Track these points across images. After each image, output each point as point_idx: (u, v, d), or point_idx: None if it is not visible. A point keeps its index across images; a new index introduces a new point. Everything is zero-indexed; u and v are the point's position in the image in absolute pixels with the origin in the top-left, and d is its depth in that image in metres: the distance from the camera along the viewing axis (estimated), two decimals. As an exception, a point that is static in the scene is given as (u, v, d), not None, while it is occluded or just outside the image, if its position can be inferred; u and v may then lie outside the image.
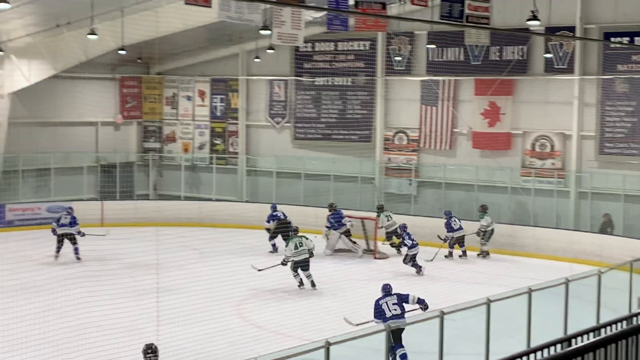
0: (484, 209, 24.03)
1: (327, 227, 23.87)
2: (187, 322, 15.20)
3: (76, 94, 31.70)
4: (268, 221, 24.16)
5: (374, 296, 14.13)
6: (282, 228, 23.25)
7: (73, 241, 22.94)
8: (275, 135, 31.85)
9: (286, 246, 19.89)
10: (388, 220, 24.59)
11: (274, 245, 23.80)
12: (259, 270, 19.51)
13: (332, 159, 29.79)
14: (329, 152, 30.26)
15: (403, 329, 13.12)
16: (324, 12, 22.72)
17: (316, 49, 30.28)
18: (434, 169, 27.75)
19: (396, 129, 29.19)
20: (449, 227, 23.47)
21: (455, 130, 27.98)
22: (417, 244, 21.52)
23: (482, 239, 23.83)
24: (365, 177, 29.43)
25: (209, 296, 16.61)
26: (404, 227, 22.71)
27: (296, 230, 21.03)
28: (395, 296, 13.90)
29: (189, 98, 33.51)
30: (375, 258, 23.42)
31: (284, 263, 19.74)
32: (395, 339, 12.82)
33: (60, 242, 22.73)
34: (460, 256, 23.50)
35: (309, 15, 23.99)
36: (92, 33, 23.65)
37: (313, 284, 19.45)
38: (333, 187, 29.08)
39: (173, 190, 32.15)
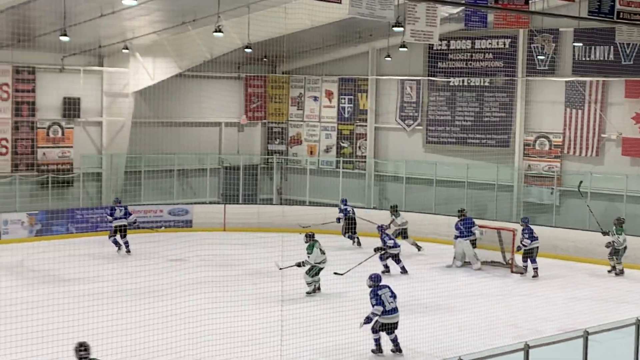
0: (620, 223, 23.17)
1: (455, 235, 23.70)
2: (311, 333, 15.34)
3: (200, 93, 32.51)
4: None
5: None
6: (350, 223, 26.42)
7: (123, 234, 24.65)
8: (405, 138, 31.81)
9: (311, 252, 19.97)
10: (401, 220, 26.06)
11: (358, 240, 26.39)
12: (280, 268, 19.31)
13: (467, 165, 29.51)
14: (463, 157, 29.99)
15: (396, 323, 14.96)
16: (462, 8, 22.56)
17: (451, 47, 30.08)
18: (579, 178, 27.03)
19: (537, 133, 28.68)
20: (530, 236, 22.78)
21: (602, 135, 27.26)
22: (399, 245, 22.59)
23: (615, 255, 22.95)
24: (503, 185, 29.02)
25: (334, 307, 16.74)
26: (381, 228, 23.13)
27: (312, 235, 20.89)
28: (388, 288, 15.15)
29: (315, 98, 33.84)
30: (512, 272, 23.03)
31: (300, 265, 19.81)
32: (390, 332, 14.81)
33: (114, 234, 24.81)
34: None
35: (445, 11, 23.79)
36: (218, 30, 24.14)
37: (319, 288, 19.98)
38: (467, 195, 28.80)
39: (297, 195, 32.46)
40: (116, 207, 25.10)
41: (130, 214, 25.21)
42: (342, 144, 33.14)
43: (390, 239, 22.56)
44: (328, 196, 31.53)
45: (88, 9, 23.91)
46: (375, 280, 15.32)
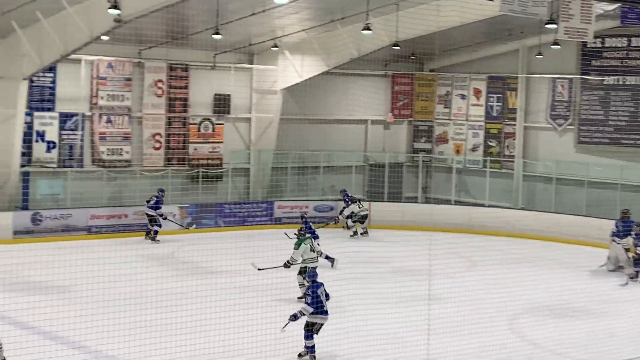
0: None
1: (611, 236, 22.89)
2: (457, 333, 15.20)
3: (347, 91, 32.69)
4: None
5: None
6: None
7: (152, 223, 25.53)
8: (556, 138, 31.10)
9: (297, 248, 18.78)
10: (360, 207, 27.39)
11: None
12: (259, 269, 18.74)
13: (621, 166, 28.58)
14: (617, 158, 29.06)
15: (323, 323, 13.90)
16: (618, 5, 21.91)
17: (606, 45, 29.16)
18: None
19: (696, 134, 27.57)
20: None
21: None
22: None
23: None
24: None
25: (480, 308, 16.52)
26: (302, 216, 22.48)
27: (303, 230, 19.93)
28: (322, 287, 14.20)
29: (463, 97, 33.51)
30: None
31: (287, 265, 18.78)
32: (315, 330, 13.83)
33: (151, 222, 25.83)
34: None
35: (601, 7, 23.17)
36: (367, 28, 24.26)
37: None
38: (620, 197, 27.86)
39: (442, 194, 32.22)
40: (152, 197, 26.01)
41: (159, 207, 25.89)
42: (490, 143, 32.68)
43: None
44: (474, 196, 31.16)
45: (240, 7, 24.37)
46: (312, 276, 14.52)
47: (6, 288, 17.58)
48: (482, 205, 30.41)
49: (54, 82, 26.40)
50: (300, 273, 18.58)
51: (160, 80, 28.48)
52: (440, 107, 34.14)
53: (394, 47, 27.18)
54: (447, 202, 31.03)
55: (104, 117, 27.42)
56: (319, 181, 31.44)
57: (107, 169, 27.47)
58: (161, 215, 25.77)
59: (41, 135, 26.31)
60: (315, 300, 13.75)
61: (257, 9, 24.30)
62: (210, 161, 29.72)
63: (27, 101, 25.16)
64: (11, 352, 12.72)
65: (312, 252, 18.74)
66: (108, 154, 27.56)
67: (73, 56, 24.39)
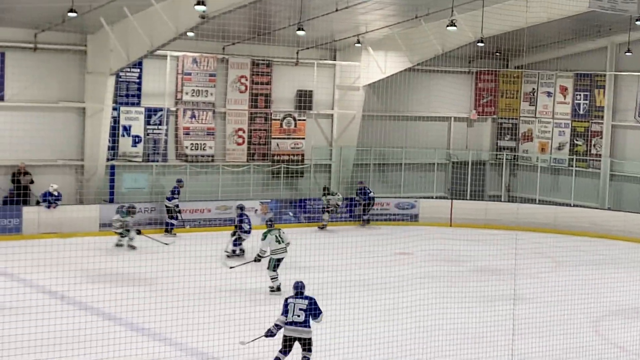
0: None
1: None
2: (542, 334, 15.01)
3: (430, 87, 32.53)
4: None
5: None
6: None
7: (169, 215, 25.47)
8: (644, 137, 30.49)
9: (263, 239, 18.61)
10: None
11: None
12: (231, 267, 19.22)
13: None
14: None
15: (303, 338, 12.56)
16: None
17: (698, 42, 28.51)
18: None
19: None
20: None
21: None
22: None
23: None
24: None
25: (565, 309, 16.27)
26: (241, 207, 23.07)
27: (272, 221, 19.74)
28: (307, 301, 12.76)
29: (549, 94, 33.04)
30: None
31: (257, 259, 18.83)
32: (288, 346, 12.61)
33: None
34: None
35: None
36: (452, 24, 24.10)
37: (279, 289, 18.30)
38: None
39: (527, 193, 31.81)
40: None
41: (173, 198, 25.70)
42: (576, 142, 32.15)
43: (249, 223, 22.64)
44: (560, 195, 30.68)
45: (323, 3, 24.42)
46: (293, 287, 13.11)
47: (94, 279, 17.93)
48: (568, 205, 29.91)
49: (140, 77, 26.84)
50: (268, 266, 18.59)
51: (243, 76, 28.73)
52: (525, 104, 33.69)
53: (478, 44, 26.90)
54: (532, 201, 30.61)
55: (188, 112, 27.77)
56: (400, 178, 31.30)
57: (191, 164, 27.82)
58: (176, 206, 25.82)
59: (127, 129, 26.78)
60: (284, 309, 12.69)
61: (340, 5, 24.32)
62: (292, 157, 29.87)
63: (114, 96, 25.63)
64: (98, 343, 12.98)
65: (279, 243, 18.50)
66: (192, 149, 27.91)
67: (159, 52, 24.77)
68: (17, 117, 24.69)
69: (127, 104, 26.69)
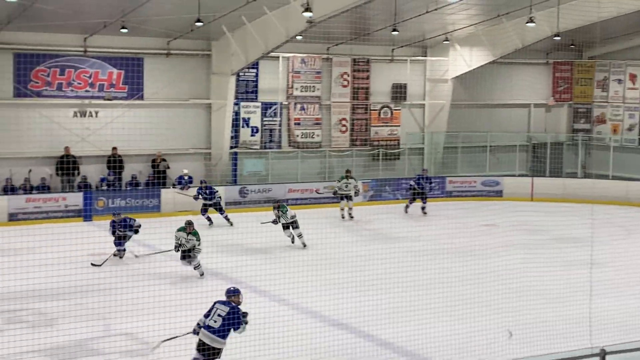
0: None
1: None
2: (618, 295, 14.67)
3: (511, 78, 31.99)
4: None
5: None
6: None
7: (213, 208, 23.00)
8: None
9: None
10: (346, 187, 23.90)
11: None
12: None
13: None
14: None
15: (211, 347, 10.11)
16: None
17: None
18: None
19: None
20: None
21: None
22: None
23: None
24: None
25: (637, 272, 15.86)
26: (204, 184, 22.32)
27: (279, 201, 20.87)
28: (229, 308, 10.32)
29: (619, 81, 32.07)
30: None
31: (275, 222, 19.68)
32: (200, 350, 10.20)
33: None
34: None
35: None
36: (530, 21, 23.68)
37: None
38: None
39: (601, 170, 30.95)
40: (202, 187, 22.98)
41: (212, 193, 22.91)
42: (645, 123, 31.19)
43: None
44: (631, 171, 29.78)
45: (415, 6, 24.29)
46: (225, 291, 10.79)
47: (220, 249, 18.30)
48: (638, 179, 29.00)
49: (256, 76, 27.15)
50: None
51: (345, 73, 28.76)
52: (598, 91, 32.80)
53: (554, 38, 26.38)
54: (605, 177, 29.76)
55: (298, 106, 27.98)
56: (485, 159, 30.88)
57: (301, 150, 28.03)
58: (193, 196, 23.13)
59: (246, 121, 27.14)
60: (207, 312, 10.49)
61: (430, 7, 24.15)
62: (388, 142, 29.80)
63: (235, 93, 26.00)
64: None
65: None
66: (302, 137, 28.13)
67: (272, 54, 24.99)
68: (154, 113, 25.28)
69: (246, 99, 27.04)
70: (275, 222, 19.84)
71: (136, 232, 18.28)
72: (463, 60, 29.46)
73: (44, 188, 23.55)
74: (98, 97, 24.67)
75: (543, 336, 11.68)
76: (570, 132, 33.05)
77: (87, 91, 24.57)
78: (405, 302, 13.26)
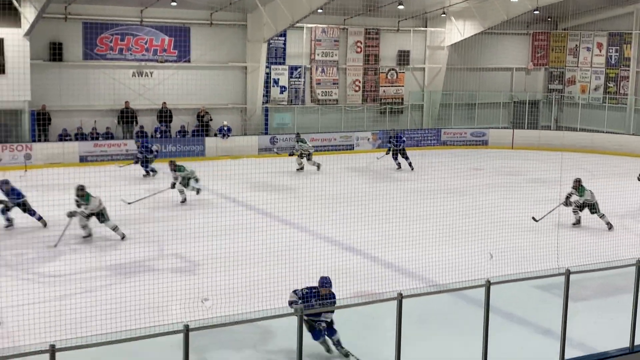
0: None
1: None
2: (582, 226, 14.56)
3: (497, 46, 31.44)
4: None
5: None
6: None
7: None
8: (663, 80, 28.71)
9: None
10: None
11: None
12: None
13: None
14: None
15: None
16: None
17: None
18: None
19: None
20: None
21: None
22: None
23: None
24: None
25: (602, 207, 15.73)
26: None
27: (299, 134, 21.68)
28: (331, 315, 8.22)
29: (588, 49, 31.43)
30: None
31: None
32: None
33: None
34: None
35: None
36: (515, -3, 23.22)
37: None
38: None
39: (571, 123, 30.62)
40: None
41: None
42: (609, 85, 30.63)
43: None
44: (595, 125, 29.44)
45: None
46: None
47: (253, 188, 18.36)
48: (602, 131, 28.70)
49: (284, 43, 26.85)
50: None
51: (359, 41, 28.38)
52: (570, 57, 32.14)
53: (534, 12, 25.92)
54: (574, 129, 29.49)
55: (319, 68, 27.70)
56: (475, 114, 30.59)
57: (322, 106, 27.85)
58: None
59: (276, 82, 26.94)
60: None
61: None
62: (394, 100, 29.52)
63: (266, 57, 25.77)
64: (259, 231, 13.34)
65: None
66: (322, 95, 27.91)
67: (298, 25, 24.70)
68: (199, 74, 25.15)
69: (275, 63, 26.79)
70: (291, 153, 20.16)
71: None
72: (457, 30, 28.96)
73: (108, 135, 23.63)
74: (152, 60, 24.55)
75: (517, 260, 11.69)
76: (546, 91, 32.57)
77: (143, 55, 24.46)
78: (406, 231, 13.29)
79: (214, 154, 23.98)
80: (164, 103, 24.54)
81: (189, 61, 25.10)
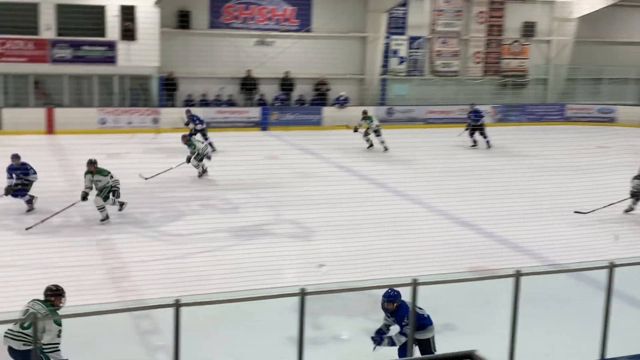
0: None
1: None
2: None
3: (629, 18, 29.65)
4: None
5: None
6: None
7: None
8: None
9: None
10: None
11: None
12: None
13: None
14: None
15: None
16: None
17: None
18: None
19: None
20: None
21: None
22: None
23: None
24: None
25: None
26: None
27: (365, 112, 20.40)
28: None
29: None
30: None
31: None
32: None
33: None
34: None
35: None
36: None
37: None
38: None
39: None
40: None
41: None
42: None
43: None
44: None
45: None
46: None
47: (367, 157, 18.29)
48: None
49: (405, 14, 26.51)
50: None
51: (482, 12, 27.59)
52: None
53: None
54: None
55: (440, 40, 27.18)
56: (601, 89, 29.11)
57: (441, 77, 27.37)
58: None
59: (395, 52, 26.69)
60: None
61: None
62: (517, 73, 28.56)
63: (387, 28, 25.54)
64: (373, 201, 13.35)
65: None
66: (442, 67, 27.40)
67: (420, -6, 24.29)
68: (319, 44, 25.29)
69: (395, 33, 26.52)
70: (355, 129, 20.06)
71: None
72: (587, 2, 27.53)
73: (230, 102, 24.29)
74: (274, 30, 24.92)
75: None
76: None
77: (265, 24, 24.86)
78: (523, 208, 12.93)
79: (330, 124, 24.14)
80: (287, 72, 24.89)
81: (309, 31, 25.28)
